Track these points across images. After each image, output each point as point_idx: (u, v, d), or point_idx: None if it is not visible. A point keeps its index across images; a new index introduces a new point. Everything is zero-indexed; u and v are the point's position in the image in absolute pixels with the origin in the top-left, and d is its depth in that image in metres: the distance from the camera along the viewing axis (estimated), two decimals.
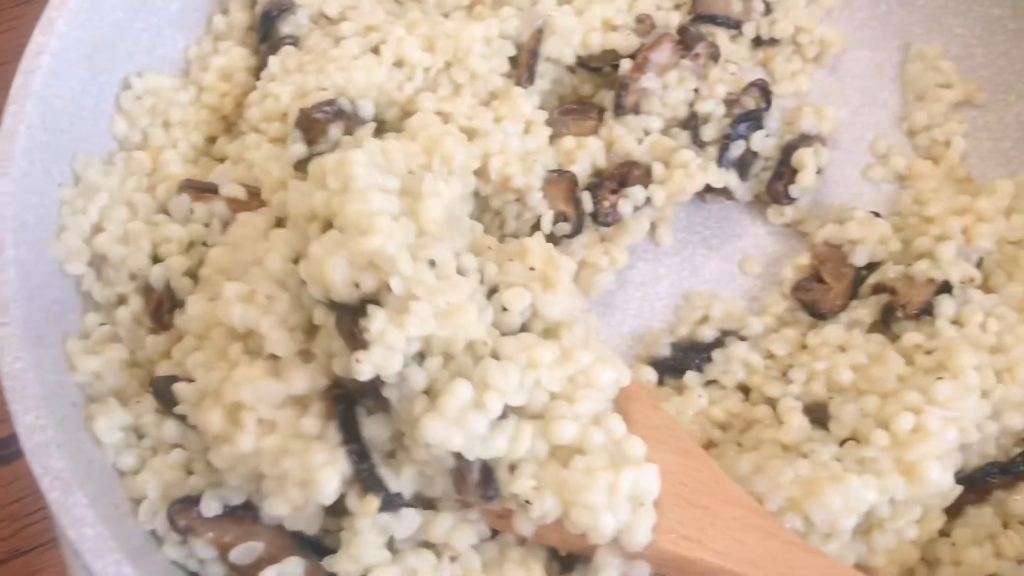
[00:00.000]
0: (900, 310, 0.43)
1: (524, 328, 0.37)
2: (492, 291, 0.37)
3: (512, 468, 0.34)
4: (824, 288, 0.45)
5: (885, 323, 0.44)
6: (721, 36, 0.51)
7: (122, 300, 0.41)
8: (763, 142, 0.48)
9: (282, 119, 0.45)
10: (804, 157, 0.47)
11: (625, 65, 0.48)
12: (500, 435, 0.34)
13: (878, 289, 0.45)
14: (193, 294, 0.39)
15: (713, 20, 0.50)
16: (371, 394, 0.34)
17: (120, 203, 0.42)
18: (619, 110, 0.48)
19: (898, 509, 0.38)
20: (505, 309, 0.36)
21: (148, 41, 0.46)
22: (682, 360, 0.45)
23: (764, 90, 0.49)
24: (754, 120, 0.48)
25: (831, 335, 0.44)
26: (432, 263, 0.34)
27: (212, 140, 0.47)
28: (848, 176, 0.50)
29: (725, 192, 0.48)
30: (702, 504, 0.36)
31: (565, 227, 0.45)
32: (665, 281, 0.48)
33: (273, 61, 0.46)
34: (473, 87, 0.46)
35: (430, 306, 0.33)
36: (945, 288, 0.43)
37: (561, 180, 0.46)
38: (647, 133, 0.48)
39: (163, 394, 0.38)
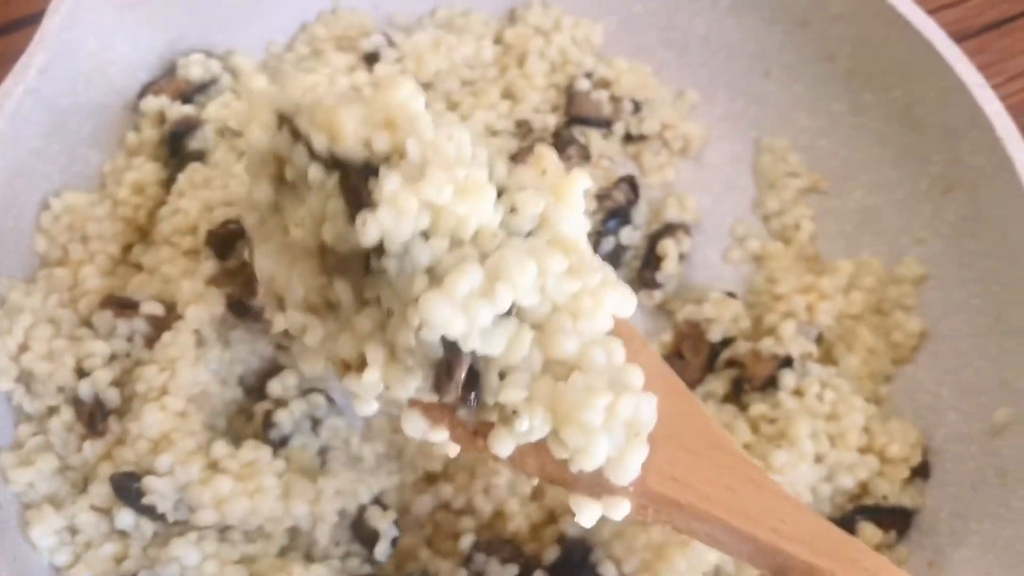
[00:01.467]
0: (747, 383, 0.48)
1: (531, 234, 0.34)
2: (500, 192, 0.34)
3: (502, 375, 0.31)
4: (684, 363, 0.50)
5: (736, 395, 0.49)
6: (593, 135, 0.56)
7: (53, 411, 0.44)
8: (631, 235, 0.53)
9: (193, 232, 0.48)
10: (667, 247, 0.53)
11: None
12: (501, 333, 0.31)
13: (730, 363, 0.50)
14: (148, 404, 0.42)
15: (585, 121, 0.56)
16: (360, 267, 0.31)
17: (44, 321, 0.45)
18: None
19: (740, 564, 0.43)
20: (514, 210, 0.33)
21: (64, 161, 0.50)
22: None
23: (632, 184, 0.55)
24: (622, 216, 0.53)
25: None
26: (451, 137, 0.32)
27: (128, 248, 0.51)
28: (710, 258, 0.55)
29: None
30: (693, 448, 0.33)
31: None
32: None
33: (181, 177, 0.50)
34: None
35: (448, 177, 0.30)
36: (787, 362, 0.49)
37: None
38: None
39: (125, 490, 0.41)
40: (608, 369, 0.32)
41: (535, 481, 0.35)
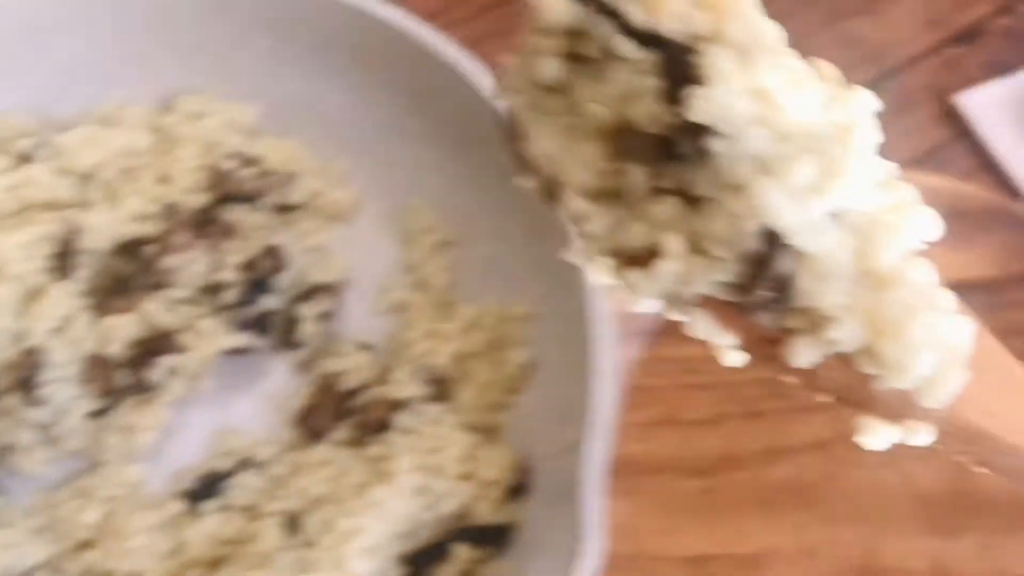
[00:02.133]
0: (363, 427, 0.54)
1: None
2: None
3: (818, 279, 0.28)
4: (318, 414, 0.56)
5: (361, 439, 0.55)
6: (241, 211, 0.61)
7: None
8: (269, 301, 0.58)
9: None
10: (302, 310, 0.58)
11: (152, 248, 0.58)
12: (826, 232, 0.28)
13: (357, 411, 0.55)
14: None
15: (233, 199, 0.61)
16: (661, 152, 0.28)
17: None
18: (149, 287, 0.58)
19: None
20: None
21: None
22: (203, 490, 0.54)
23: (277, 253, 0.60)
24: (263, 284, 0.58)
25: (319, 455, 0.54)
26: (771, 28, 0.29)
27: None
28: (358, 313, 0.61)
29: (247, 349, 0.58)
30: (997, 383, 0.31)
31: (99, 402, 0.55)
32: (199, 425, 0.57)
33: None
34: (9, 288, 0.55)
35: (776, 62, 0.28)
36: (402, 404, 0.54)
37: (96, 361, 0.55)
38: (177, 304, 0.58)
39: None
40: (924, 288, 0.29)
41: (826, 399, 0.31)
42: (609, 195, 0.31)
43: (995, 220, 0.67)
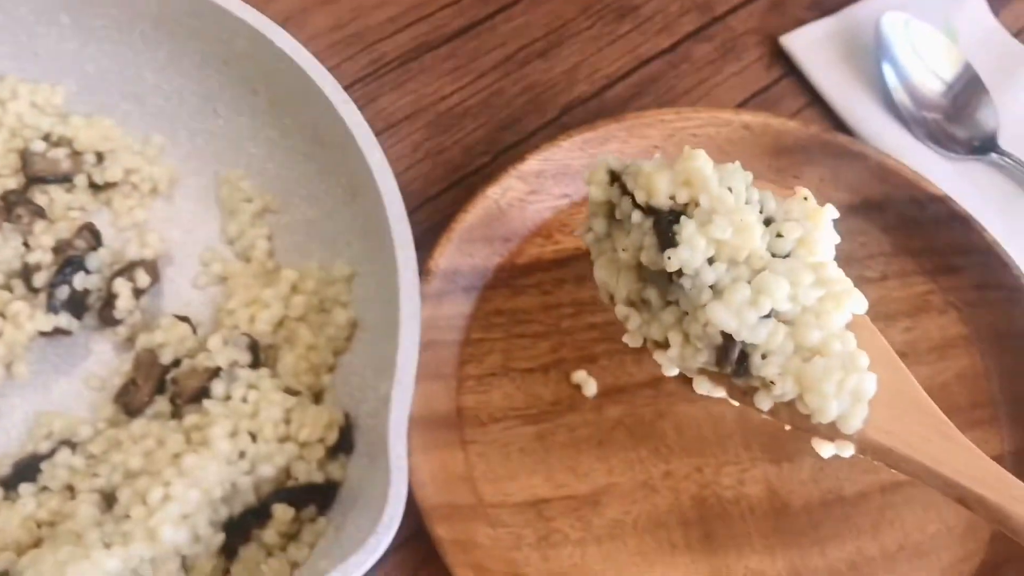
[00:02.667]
0: (179, 398, 0.53)
1: (790, 254, 0.49)
2: (769, 221, 0.49)
3: (764, 356, 0.47)
4: (137, 389, 0.55)
5: (178, 411, 0.54)
6: (55, 191, 0.60)
7: None
8: (85, 280, 0.57)
9: None
10: (119, 285, 0.57)
11: None
12: (763, 328, 0.46)
13: (174, 382, 0.55)
14: None
15: (43, 180, 0.60)
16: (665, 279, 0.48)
17: None
18: None
19: (156, 565, 0.48)
20: (779, 236, 0.48)
21: None
22: (19, 475, 0.53)
23: (93, 231, 0.59)
24: (77, 263, 0.57)
25: (136, 429, 0.53)
26: (730, 189, 0.47)
27: None
28: (180, 287, 0.60)
29: (66, 330, 0.57)
30: (901, 409, 0.48)
31: None
32: (20, 409, 0.56)
33: None
34: None
35: (728, 221, 0.46)
36: (217, 373, 0.54)
37: None
38: None
39: None
40: (842, 354, 0.47)
41: (787, 427, 0.51)
42: (640, 304, 0.51)
43: (819, 151, 0.69)
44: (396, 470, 0.46)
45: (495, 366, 0.62)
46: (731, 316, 0.46)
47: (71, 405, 0.57)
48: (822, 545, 0.58)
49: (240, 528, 0.50)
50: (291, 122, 0.59)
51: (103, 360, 0.58)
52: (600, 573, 0.56)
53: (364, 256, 0.56)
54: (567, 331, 0.63)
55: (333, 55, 0.72)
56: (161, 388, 0.55)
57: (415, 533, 0.57)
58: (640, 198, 0.48)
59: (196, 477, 0.49)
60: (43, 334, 0.56)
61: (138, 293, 0.58)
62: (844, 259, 0.66)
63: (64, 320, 0.56)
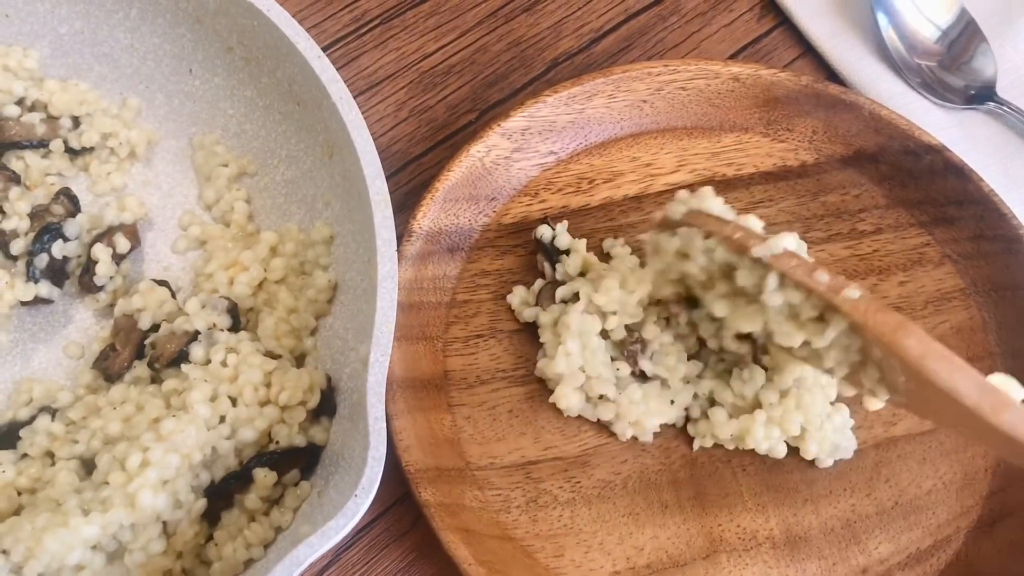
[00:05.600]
0: (157, 362, 0.53)
1: None
2: None
3: None
4: (116, 354, 0.54)
5: (157, 375, 0.53)
6: (30, 157, 0.59)
7: None
8: (64, 247, 0.56)
9: None
10: (98, 250, 0.56)
11: None
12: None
13: (152, 347, 0.54)
14: None
15: (18, 145, 0.59)
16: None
17: None
18: None
19: (136, 532, 0.48)
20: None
21: None
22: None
23: (70, 197, 0.58)
24: (55, 230, 0.56)
25: (115, 394, 0.53)
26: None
27: None
28: (160, 252, 0.59)
29: (43, 300, 0.56)
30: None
31: None
32: (2, 380, 0.55)
33: None
34: None
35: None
36: (196, 336, 0.53)
37: None
38: None
39: None
40: None
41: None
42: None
43: (811, 102, 0.67)
44: (375, 432, 0.45)
45: (482, 327, 0.61)
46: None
47: (51, 373, 0.56)
48: (816, 503, 0.57)
49: (222, 493, 0.50)
50: (267, 81, 0.58)
51: (83, 327, 0.57)
52: (590, 534, 0.56)
53: (344, 216, 0.55)
54: None
55: (315, 13, 0.70)
56: (140, 353, 0.54)
57: (402, 497, 0.56)
58: (723, 254, 0.51)
59: (175, 442, 0.48)
60: (23, 303, 0.55)
61: (118, 258, 0.57)
62: (837, 212, 0.65)
63: (45, 289, 0.55)
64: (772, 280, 0.48)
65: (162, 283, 0.56)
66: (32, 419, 0.52)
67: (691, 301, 0.57)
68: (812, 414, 0.56)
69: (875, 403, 0.49)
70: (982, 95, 0.70)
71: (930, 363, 0.43)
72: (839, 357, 0.49)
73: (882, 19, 0.71)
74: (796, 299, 0.48)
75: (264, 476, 0.49)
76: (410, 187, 0.64)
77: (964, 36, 0.72)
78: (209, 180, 0.59)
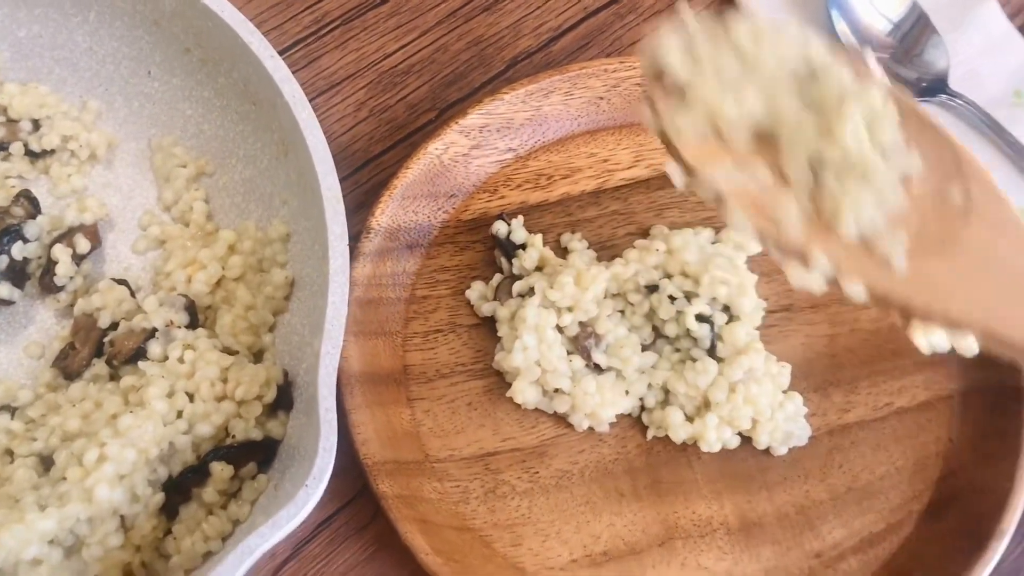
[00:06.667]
0: (115, 359, 0.53)
1: None
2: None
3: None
4: (75, 352, 0.55)
5: (116, 372, 0.54)
6: None
7: None
8: (24, 249, 0.57)
9: None
10: (58, 251, 0.57)
11: None
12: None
13: (111, 345, 0.55)
14: None
15: None
16: None
17: None
18: None
19: (94, 526, 0.48)
20: None
21: None
22: None
23: (30, 199, 0.59)
24: (15, 232, 0.57)
25: (74, 392, 0.53)
26: None
27: None
28: (121, 252, 0.60)
29: (4, 301, 0.57)
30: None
31: None
32: None
33: None
34: None
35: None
36: (153, 333, 0.54)
37: None
38: None
39: None
40: None
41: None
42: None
43: None
44: (325, 423, 0.46)
45: (441, 323, 0.62)
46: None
47: (12, 373, 0.57)
48: (770, 489, 0.58)
49: (180, 487, 0.51)
50: (224, 81, 0.58)
51: (44, 327, 0.58)
52: (548, 524, 0.57)
53: (300, 213, 0.56)
54: None
55: (276, 15, 0.71)
56: (99, 351, 0.55)
57: (362, 491, 0.57)
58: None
59: (132, 437, 0.49)
60: None
61: (78, 259, 0.57)
62: None
63: (5, 290, 0.56)
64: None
65: (121, 282, 0.57)
66: None
67: (650, 288, 0.58)
68: (762, 405, 0.57)
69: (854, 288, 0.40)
70: (934, 87, 0.71)
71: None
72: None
73: (835, 14, 0.72)
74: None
75: (221, 470, 0.50)
76: (370, 185, 0.64)
77: (916, 29, 0.73)
78: (168, 181, 0.60)
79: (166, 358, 0.53)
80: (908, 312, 0.39)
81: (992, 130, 0.70)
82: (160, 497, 0.50)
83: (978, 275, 0.39)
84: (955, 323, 0.38)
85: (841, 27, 0.72)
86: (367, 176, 0.66)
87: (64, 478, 0.48)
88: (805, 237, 0.40)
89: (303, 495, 0.44)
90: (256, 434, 0.52)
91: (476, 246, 0.64)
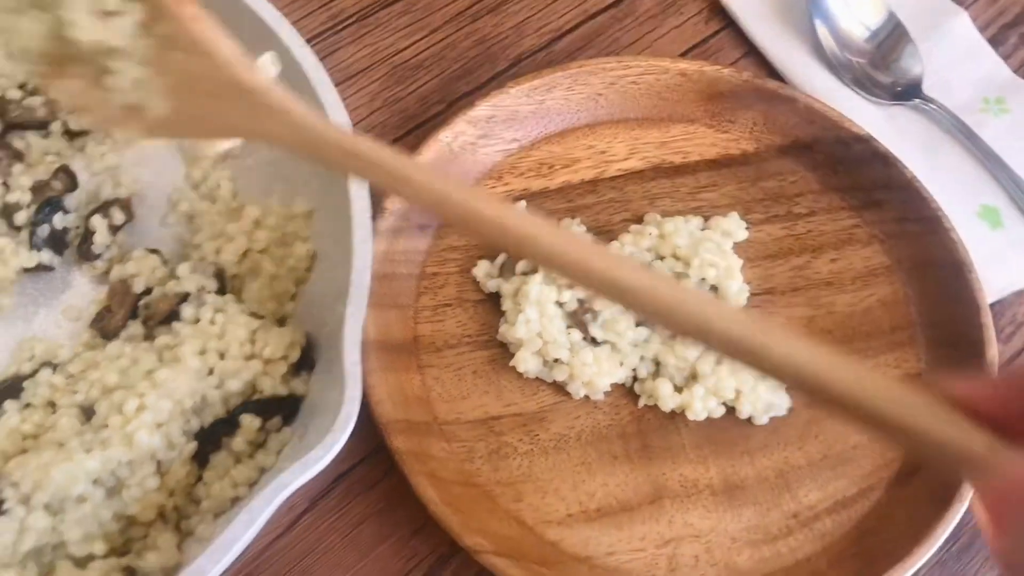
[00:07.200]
0: (151, 320, 0.58)
1: None
2: None
3: None
4: (111, 315, 0.59)
5: (150, 332, 0.58)
6: (31, 137, 0.64)
7: None
8: (64, 219, 0.61)
9: None
10: (96, 222, 0.61)
11: None
12: None
13: (146, 308, 0.59)
14: None
15: (20, 127, 0.64)
16: None
17: None
18: None
19: (133, 469, 0.52)
20: None
21: None
22: (3, 392, 0.57)
23: (68, 172, 0.63)
24: (56, 203, 0.61)
25: (112, 350, 0.58)
26: None
27: None
28: (151, 225, 0.64)
29: (45, 267, 0.61)
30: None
31: None
32: (3, 339, 0.60)
33: None
34: None
35: None
36: (186, 298, 0.58)
37: None
38: None
39: None
40: None
41: None
42: None
43: (752, 96, 0.73)
44: (351, 375, 0.50)
45: (450, 297, 0.67)
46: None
47: (51, 333, 0.61)
48: (752, 455, 0.63)
49: (211, 437, 0.55)
50: None
51: (81, 292, 0.62)
52: (546, 481, 0.61)
53: (322, 192, 0.61)
54: None
55: (294, 11, 0.76)
56: (134, 314, 0.59)
57: (376, 449, 0.61)
58: None
59: (168, 389, 0.53)
60: (26, 270, 0.60)
61: (114, 229, 0.62)
62: (775, 196, 0.71)
63: (46, 256, 0.60)
64: None
65: (154, 251, 0.61)
66: (34, 372, 0.57)
67: None
68: (745, 377, 0.62)
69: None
70: (909, 92, 0.77)
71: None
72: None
73: (818, 21, 0.78)
74: None
75: (250, 421, 0.54)
76: None
77: (892, 37, 0.78)
78: (195, 161, 0.64)
79: (198, 320, 0.57)
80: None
81: (963, 134, 0.75)
82: (193, 446, 0.54)
83: (194, 95, 0.44)
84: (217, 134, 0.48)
85: (823, 32, 0.78)
86: None
87: (106, 425, 0.52)
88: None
89: (330, 439, 0.48)
90: (282, 391, 0.56)
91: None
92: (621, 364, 0.63)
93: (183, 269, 0.58)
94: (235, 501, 0.54)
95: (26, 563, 0.49)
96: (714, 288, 0.64)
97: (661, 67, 0.73)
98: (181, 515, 0.54)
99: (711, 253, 0.64)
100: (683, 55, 0.79)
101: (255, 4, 0.59)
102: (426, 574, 0.59)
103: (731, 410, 0.64)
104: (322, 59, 0.70)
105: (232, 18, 0.58)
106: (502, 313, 0.65)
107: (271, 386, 0.56)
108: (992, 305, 0.67)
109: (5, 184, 0.61)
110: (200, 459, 0.55)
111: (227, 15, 0.58)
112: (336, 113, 0.57)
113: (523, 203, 0.68)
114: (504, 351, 0.65)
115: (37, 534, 0.49)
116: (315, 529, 0.60)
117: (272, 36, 0.59)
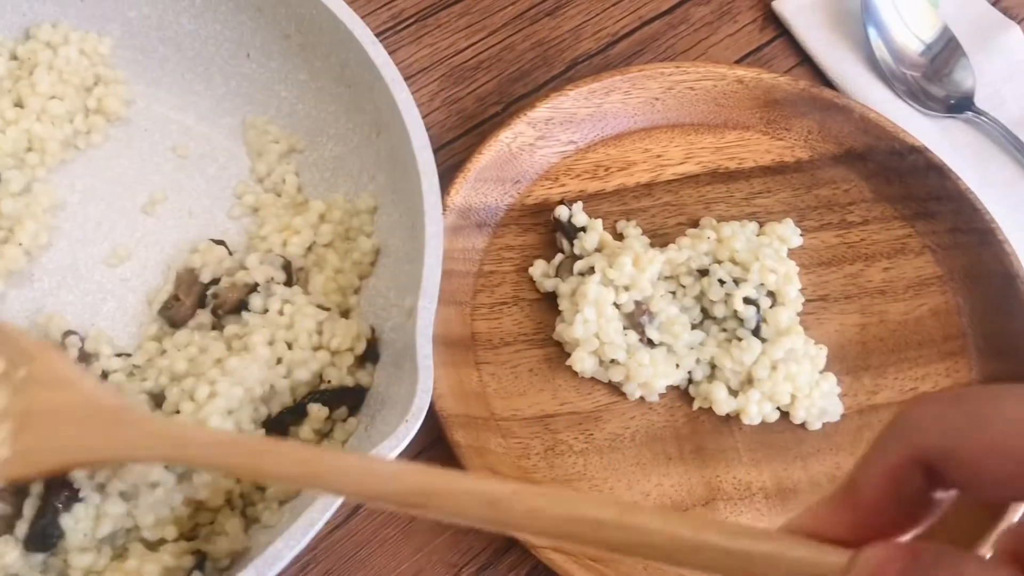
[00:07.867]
0: (219, 309, 0.58)
1: None
2: None
3: None
4: (180, 304, 0.60)
5: (219, 322, 0.59)
6: None
7: None
8: None
9: None
10: None
11: None
12: None
13: (214, 297, 0.60)
14: None
15: None
16: None
17: None
18: None
19: None
20: None
21: None
22: None
23: None
24: None
25: (180, 338, 0.58)
26: None
27: None
28: (216, 217, 0.65)
29: None
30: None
31: None
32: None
33: None
34: None
35: None
36: (255, 288, 0.59)
37: None
38: None
39: None
40: None
41: None
42: None
43: (807, 105, 0.74)
44: (423, 368, 0.51)
45: (506, 296, 0.67)
46: None
47: (119, 323, 0.61)
48: (804, 460, 0.64)
49: (278, 425, 0.55)
50: (320, 65, 0.64)
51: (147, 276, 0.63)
52: (601, 480, 0.62)
53: (387, 188, 0.61)
54: None
55: (356, 10, 0.76)
56: (202, 303, 0.60)
57: (434, 441, 0.62)
58: None
59: (239, 376, 0.54)
60: None
61: None
62: (829, 204, 0.72)
63: None
64: None
65: (219, 242, 0.62)
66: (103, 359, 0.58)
67: (701, 272, 0.63)
68: (800, 383, 0.62)
69: None
70: (961, 105, 0.77)
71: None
72: None
73: (872, 33, 0.78)
74: None
75: (317, 411, 0.55)
76: (442, 169, 0.69)
77: (946, 51, 0.79)
78: (261, 155, 0.65)
79: (266, 311, 0.58)
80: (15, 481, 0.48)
81: (1015, 146, 0.75)
82: (261, 433, 0.55)
83: (56, 426, 0.46)
84: (51, 472, 0.48)
85: (877, 44, 0.78)
86: (439, 160, 0.70)
87: (178, 411, 0.53)
88: None
89: (403, 429, 0.49)
90: (348, 381, 0.57)
91: (538, 228, 0.69)
92: (677, 366, 0.64)
93: (252, 260, 0.59)
94: (300, 489, 0.55)
95: (101, 547, 0.50)
96: (771, 293, 0.65)
97: (718, 73, 0.73)
98: (247, 502, 0.55)
99: (770, 259, 0.65)
100: (737, 63, 0.80)
101: (331, 2, 0.59)
102: (482, 567, 0.60)
103: (784, 415, 0.64)
104: None
105: (302, 14, 0.59)
106: (558, 312, 0.66)
107: (338, 376, 0.57)
108: None
109: None
110: None
111: (300, 11, 0.59)
112: (408, 109, 0.57)
113: (580, 203, 0.69)
114: (559, 350, 0.65)
115: (113, 520, 0.50)
116: (372, 521, 0.60)
117: (346, 33, 0.60)
